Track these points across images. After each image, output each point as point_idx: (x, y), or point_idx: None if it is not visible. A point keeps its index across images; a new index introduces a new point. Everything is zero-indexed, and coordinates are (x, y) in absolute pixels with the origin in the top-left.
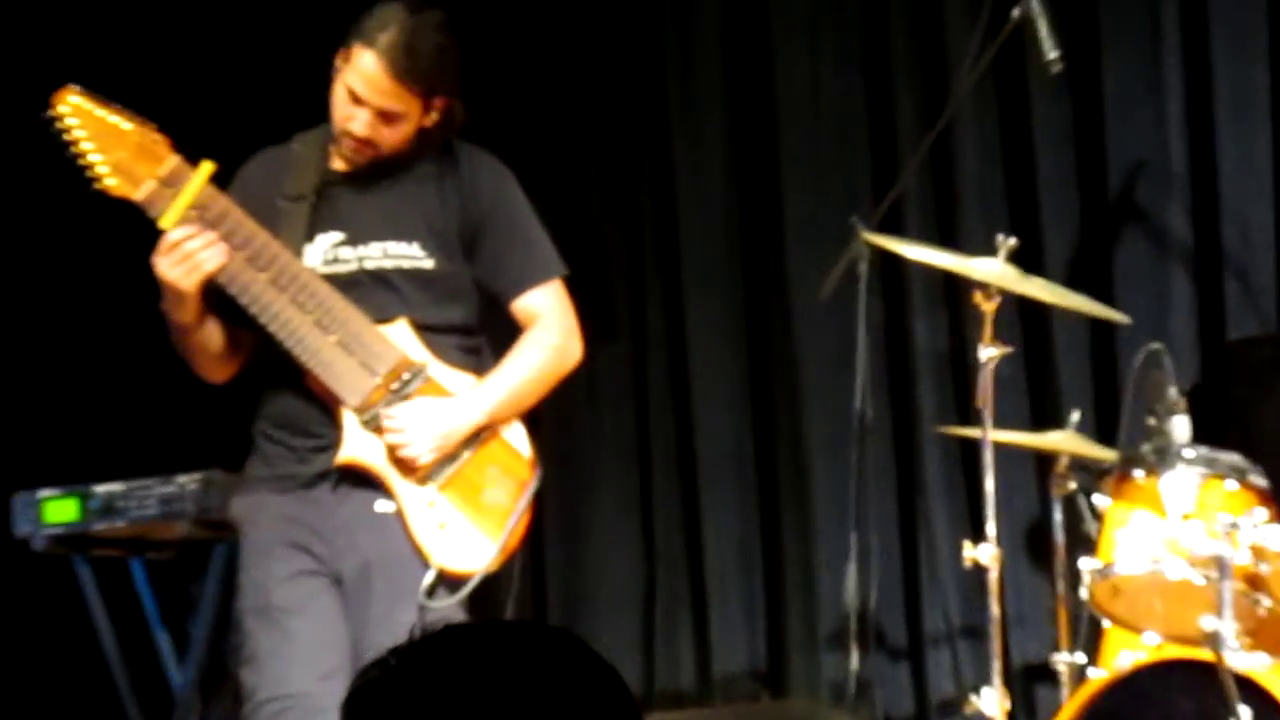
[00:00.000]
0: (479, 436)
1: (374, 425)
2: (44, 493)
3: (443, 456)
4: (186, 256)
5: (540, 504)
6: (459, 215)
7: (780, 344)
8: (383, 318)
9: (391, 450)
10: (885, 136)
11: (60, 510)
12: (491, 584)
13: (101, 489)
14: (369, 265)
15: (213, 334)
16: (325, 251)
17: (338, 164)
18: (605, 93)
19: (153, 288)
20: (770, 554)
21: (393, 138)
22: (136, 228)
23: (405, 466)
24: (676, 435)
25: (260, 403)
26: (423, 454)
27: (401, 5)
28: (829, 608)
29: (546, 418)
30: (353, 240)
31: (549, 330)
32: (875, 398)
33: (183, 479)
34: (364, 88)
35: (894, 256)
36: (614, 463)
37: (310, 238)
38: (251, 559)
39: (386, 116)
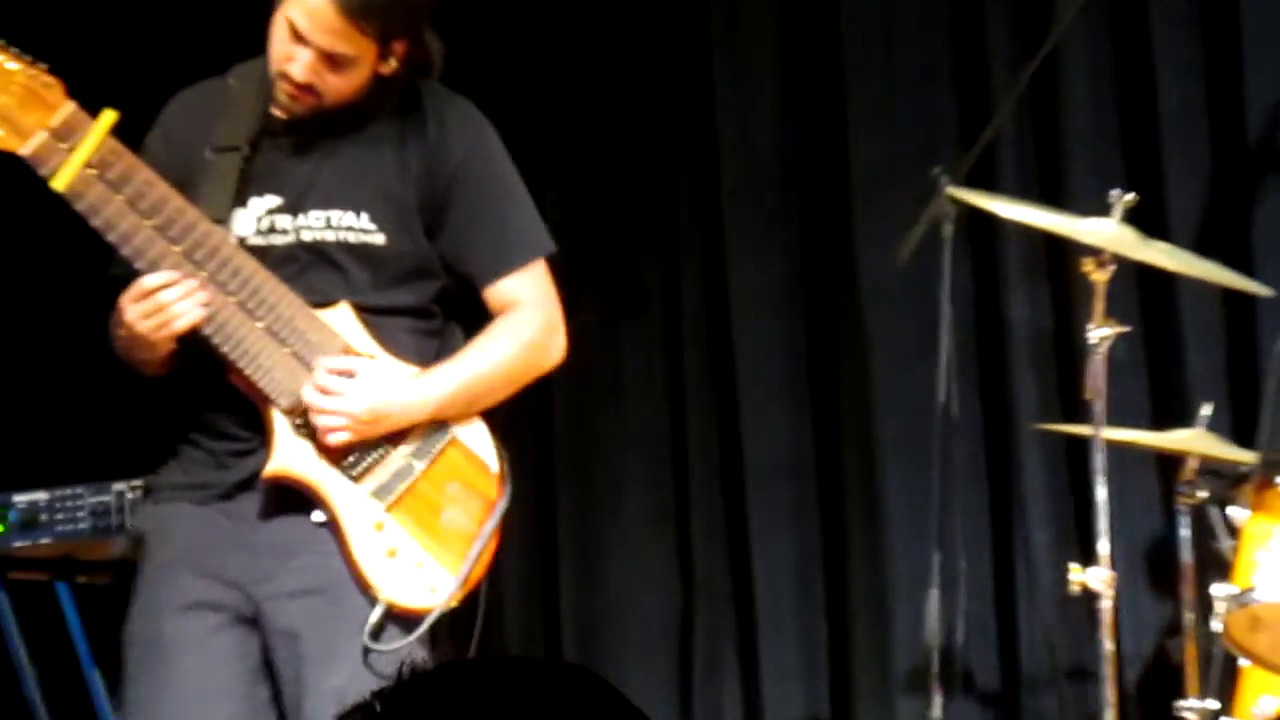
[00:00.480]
0: (433, 445)
1: (309, 429)
2: None
3: (359, 439)
4: (159, 308)
5: (553, 517)
6: (421, 182)
7: (846, 325)
8: (322, 301)
9: (321, 443)
10: (974, 69)
11: None
12: (453, 619)
13: (21, 498)
14: (307, 237)
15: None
16: (259, 219)
17: (280, 110)
18: (629, 8)
19: (75, 265)
20: (833, 579)
21: (339, 86)
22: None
23: (335, 459)
24: (719, 436)
25: (176, 399)
26: (335, 425)
27: None
28: (905, 643)
29: (561, 415)
30: (292, 206)
31: (524, 321)
32: (961, 389)
33: (119, 487)
34: (307, 24)
35: (985, 216)
36: (643, 469)
37: (242, 201)
38: (148, 580)
39: (333, 60)
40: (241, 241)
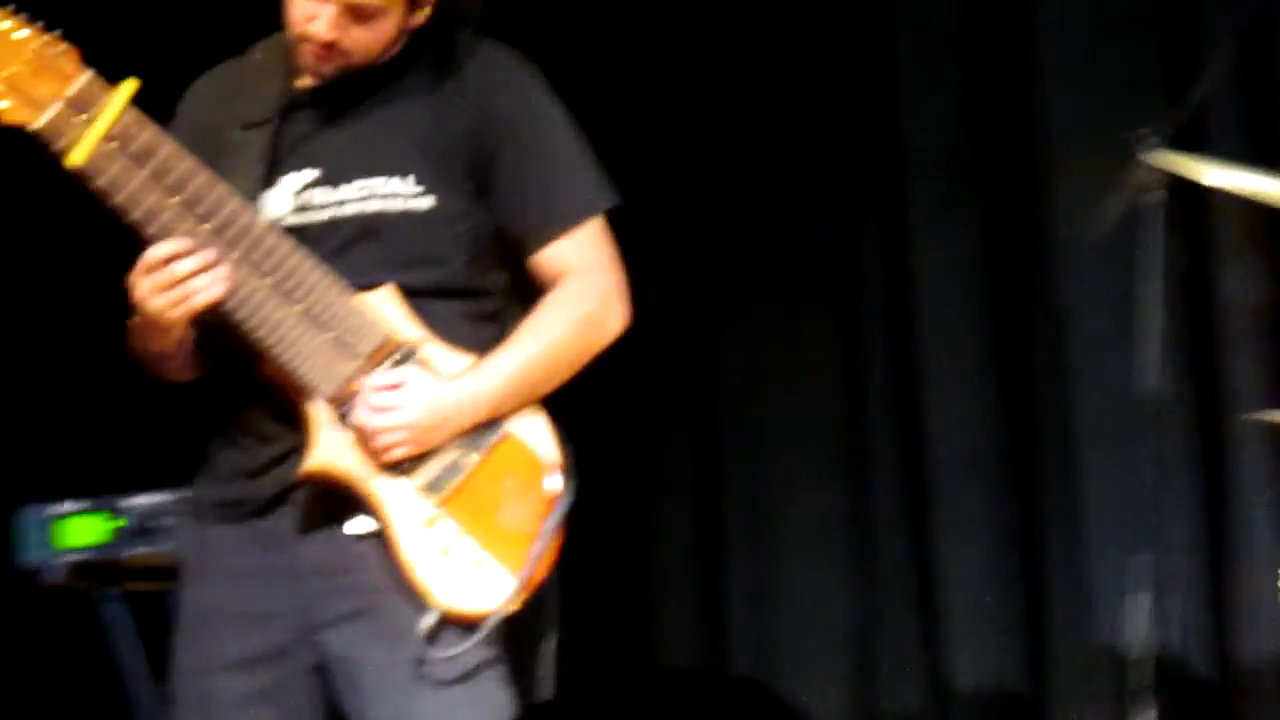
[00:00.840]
0: (486, 438)
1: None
2: (60, 508)
3: (422, 450)
4: (174, 282)
5: (719, 520)
6: (465, 140)
7: (1040, 302)
8: (367, 282)
9: (366, 444)
10: (1182, 16)
11: (82, 530)
12: (519, 624)
13: (136, 502)
14: (349, 210)
15: (186, 344)
16: (294, 196)
17: (306, 79)
18: None
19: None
20: (1030, 582)
21: (367, 40)
22: None
23: (384, 465)
24: (899, 427)
25: (204, 400)
26: (395, 440)
27: None
28: (1111, 653)
29: (726, 409)
30: (329, 178)
31: (577, 292)
32: (1171, 373)
33: None
34: None
35: (1194, 184)
36: (818, 464)
37: (273, 179)
38: (190, 635)
39: (357, 12)
40: (276, 222)
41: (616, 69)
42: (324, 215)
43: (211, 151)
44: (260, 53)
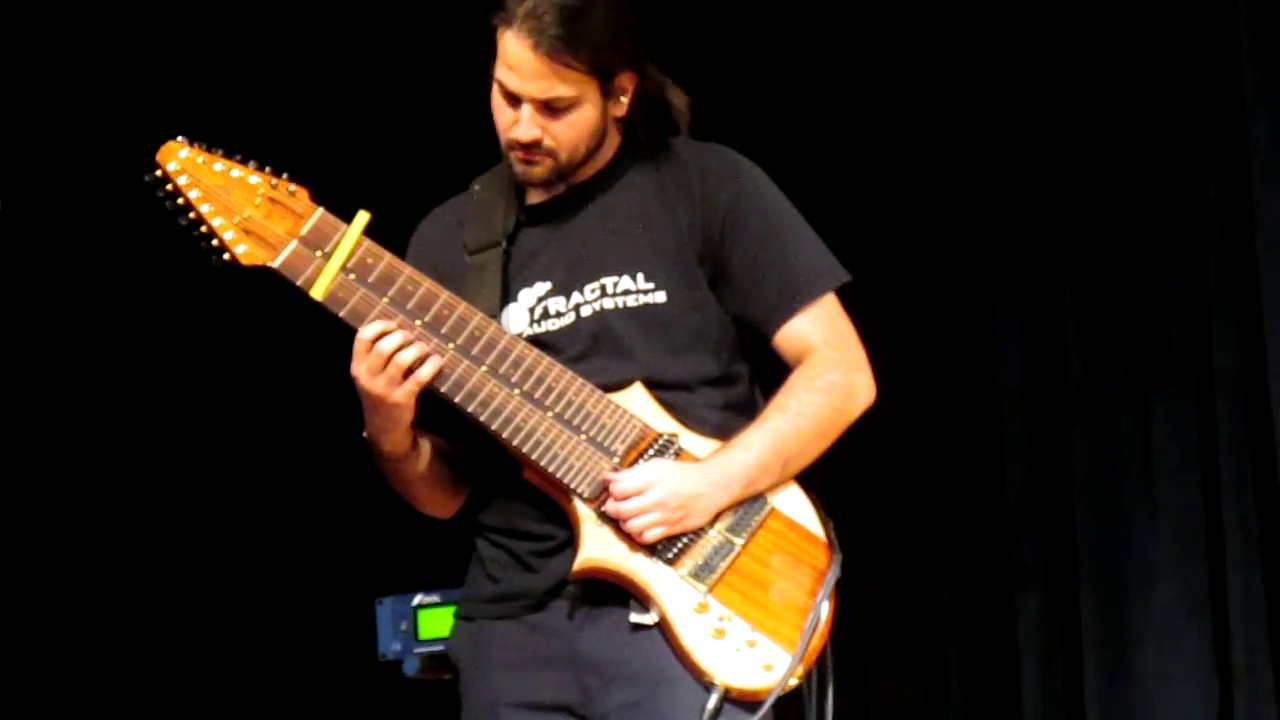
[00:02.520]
0: (751, 519)
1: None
2: (419, 599)
3: (677, 529)
4: (386, 360)
5: (1075, 606)
6: (693, 234)
7: None
8: (614, 381)
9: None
10: None
11: (441, 622)
12: (789, 702)
13: None
14: (585, 313)
15: (432, 460)
16: (531, 310)
17: (532, 197)
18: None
19: None
20: None
21: (570, 135)
22: None
23: (649, 552)
24: (1258, 512)
25: (473, 502)
26: (648, 522)
27: None
28: None
29: (1083, 497)
30: (563, 287)
31: (823, 365)
32: None
33: None
34: (514, 77)
35: None
36: (1174, 550)
37: (511, 296)
38: None
39: (552, 109)
40: (524, 339)
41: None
42: (562, 323)
43: (446, 282)
44: (479, 185)
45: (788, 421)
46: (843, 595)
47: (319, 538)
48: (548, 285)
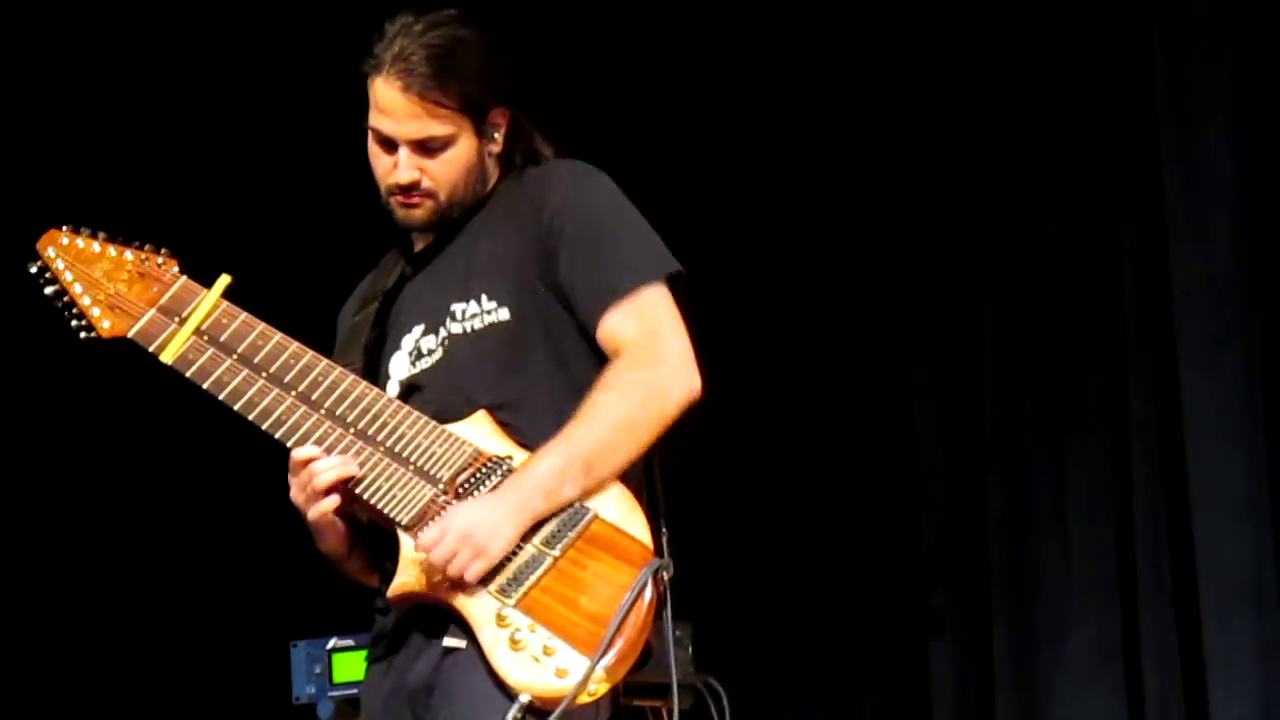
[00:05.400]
0: (569, 529)
1: None
2: (334, 642)
3: (490, 560)
4: (308, 482)
5: (988, 653)
6: (529, 245)
7: None
8: (463, 407)
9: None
10: None
11: (354, 666)
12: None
13: None
14: (446, 346)
15: (367, 559)
16: (410, 352)
17: (417, 245)
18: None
19: None
20: None
21: (448, 173)
22: None
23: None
24: (1171, 559)
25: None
26: (461, 565)
27: (406, 13)
28: None
29: (996, 542)
30: (432, 325)
31: (629, 363)
32: None
33: None
34: (387, 121)
35: None
36: (1087, 598)
37: (394, 345)
38: None
39: (426, 148)
40: (403, 383)
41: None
42: (434, 359)
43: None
44: (390, 253)
45: (583, 426)
46: (756, 641)
47: (234, 581)
48: (422, 326)
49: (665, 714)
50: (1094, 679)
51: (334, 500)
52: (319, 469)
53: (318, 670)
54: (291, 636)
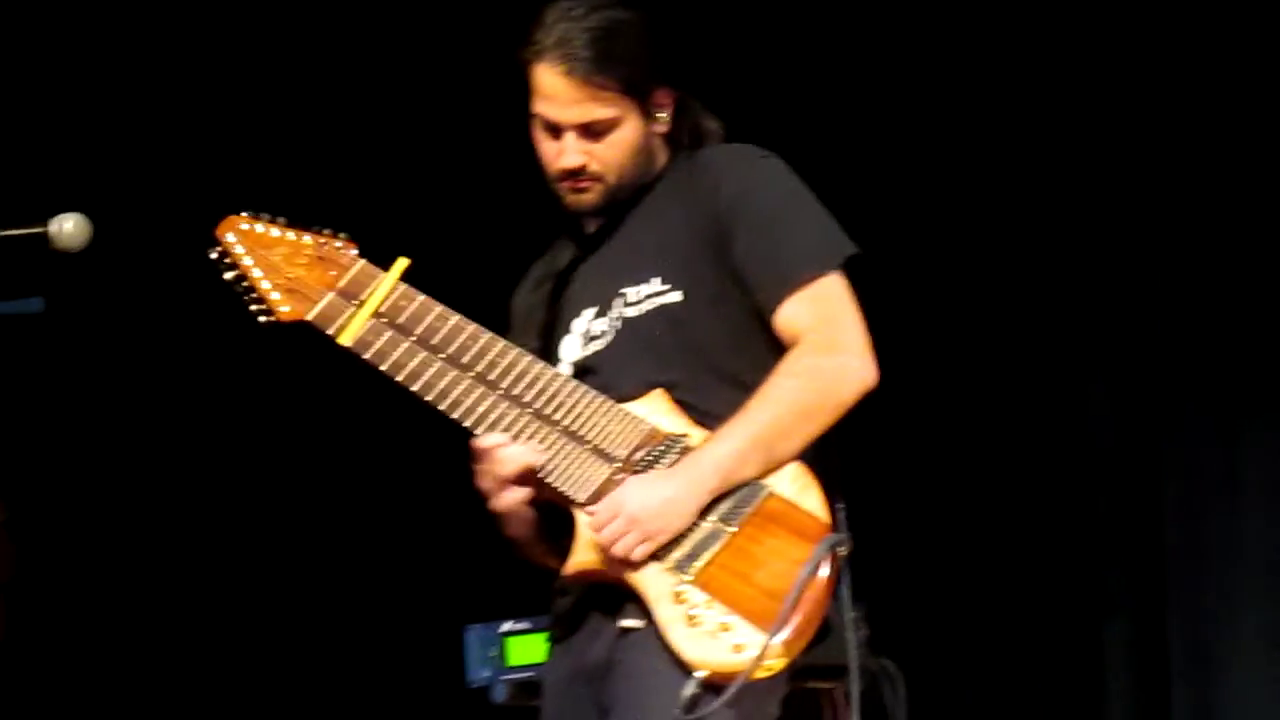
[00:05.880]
0: (746, 505)
1: None
2: (508, 626)
3: (660, 540)
4: (497, 464)
5: (1163, 634)
6: (702, 228)
7: None
8: (638, 388)
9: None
10: None
11: (528, 649)
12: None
13: None
14: (618, 326)
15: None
16: (582, 335)
17: (588, 229)
18: None
19: None
20: None
21: (614, 155)
22: None
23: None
24: None
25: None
26: (630, 544)
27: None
28: None
29: (1170, 517)
30: (603, 307)
31: (805, 350)
32: None
33: None
34: (552, 106)
35: None
36: (1262, 576)
37: (565, 328)
38: None
39: (592, 132)
40: (575, 365)
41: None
42: (605, 341)
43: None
44: (559, 238)
45: (765, 409)
46: (929, 623)
47: (407, 566)
48: (593, 309)
49: (840, 698)
50: (1269, 663)
51: (523, 491)
52: (505, 456)
53: (491, 654)
54: (465, 620)
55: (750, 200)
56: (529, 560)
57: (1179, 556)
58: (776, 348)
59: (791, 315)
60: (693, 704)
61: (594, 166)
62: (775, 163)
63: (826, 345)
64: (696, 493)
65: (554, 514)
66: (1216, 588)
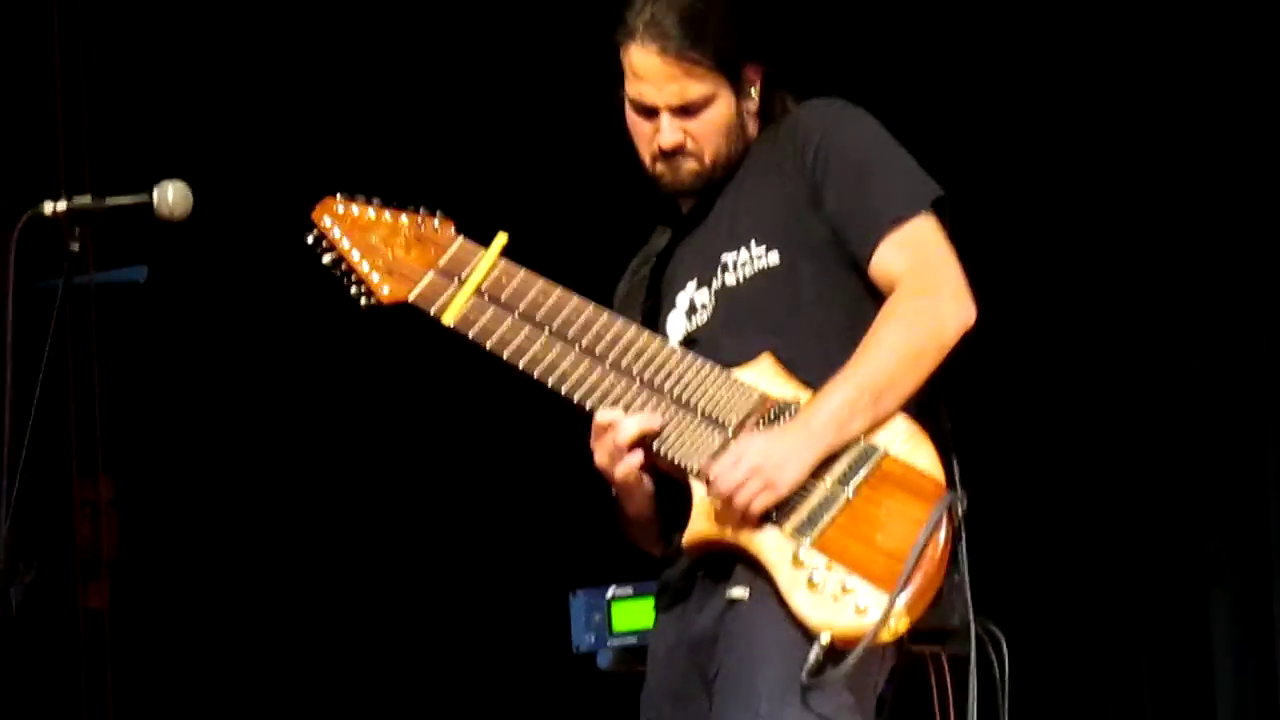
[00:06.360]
0: (862, 467)
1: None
2: (613, 591)
3: (780, 492)
4: (612, 443)
5: (1266, 603)
6: (797, 184)
7: None
8: (745, 355)
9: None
10: None
11: (634, 615)
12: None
13: None
14: (722, 293)
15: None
16: (686, 310)
17: (685, 208)
18: None
19: None
20: None
21: (708, 133)
22: None
23: (755, 520)
24: None
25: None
26: (750, 494)
27: None
28: None
29: (1273, 486)
30: (704, 279)
31: (905, 294)
32: None
33: None
34: (647, 88)
35: None
36: None
37: (670, 304)
38: (644, 715)
39: (688, 111)
40: (682, 340)
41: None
42: (708, 313)
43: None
44: (657, 227)
45: (871, 357)
46: (1033, 587)
47: (514, 532)
48: (694, 281)
49: (945, 661)
50: None
51: (638, 457)
52: (621, 426)
53: (597, 619)
54: (571, 586)
55: (836, 151)
56: (639, 544)
57: None
58: (878, 299)
59: (886, 260)
60: (818, 669)
61: (691, 145)
62: (856, 111)
63: (924, 287)
64: (814, 446)
65: (668, 490)
66: None
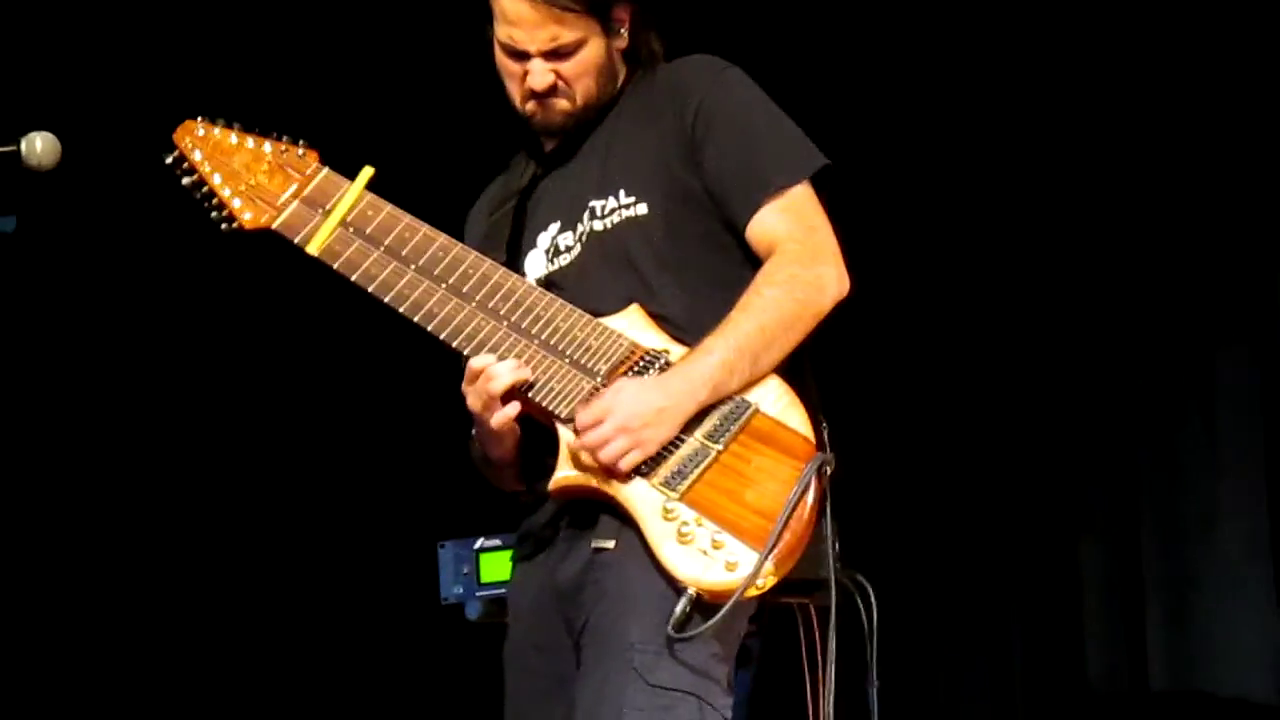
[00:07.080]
0: (733, 423)
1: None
2: (481, 542)
3: (649, 448)
4: (487, 382)
5: (1137, 549)
6: (672, 139)
7: None
8: (612, 302)
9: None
10: None
11: (504, 566)
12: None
13: None
14: (585, 240)
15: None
16: (546, 250)
17: (548, 147)
18: None
19: None
20: None
21: (579, 73)
22: None
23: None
24: None
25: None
26: (617, 450)
27: None
28: None
29: (1146, 442)
30: (569, 222)
31: (784, 256)
32: None
33: None
34: (517, 33)
35: None
36: (1237, 491)
37: (530, 243)
38: (507, 670)
39: (559, 55)
40: (541, 280)
41: None
42: (571, 256)
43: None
44: (518, 156)
45: (749, 319)
46: (901, 537)
47: (381, 484)
48: (558, 223)
49: (813, 612)
50: (1246, 570)
51: (515, 407)
52: (495, 373)
53: (465, 570)
54: (439, 537)
55: (719, 111)
56: (499, 484)
57: (1152, 469)
58: (748, 259)
59: (767, 224)
60: (684, 621)
61: (562, 86)
62: (740, 74)
63: (805, 255)
64: (685, 404)
65: (532, 433)
66: (1190, 499)
